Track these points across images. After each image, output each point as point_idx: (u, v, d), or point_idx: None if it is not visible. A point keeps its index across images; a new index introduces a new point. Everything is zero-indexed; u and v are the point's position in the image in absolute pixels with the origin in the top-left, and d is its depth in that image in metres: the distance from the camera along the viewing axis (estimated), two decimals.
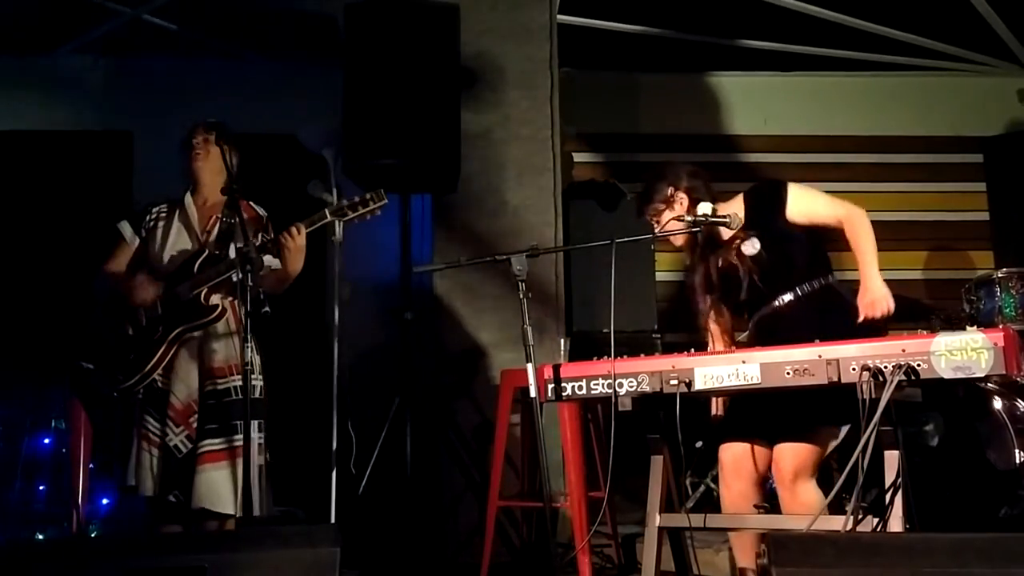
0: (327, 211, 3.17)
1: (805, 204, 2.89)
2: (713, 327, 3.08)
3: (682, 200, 2.98)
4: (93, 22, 5.01)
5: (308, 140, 4.40)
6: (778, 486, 2.75)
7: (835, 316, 2.82)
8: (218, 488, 3.00)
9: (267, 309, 2.97)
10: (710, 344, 3.07)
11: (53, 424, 4.22)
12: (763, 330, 2.89)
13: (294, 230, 3.12)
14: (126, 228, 3.30)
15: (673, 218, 2.96)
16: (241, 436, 2.93)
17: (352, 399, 4.12)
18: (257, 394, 3.14)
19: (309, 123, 4.40)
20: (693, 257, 3.05)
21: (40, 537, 3.98)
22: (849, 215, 2.87)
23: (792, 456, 2.70)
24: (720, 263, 2.94)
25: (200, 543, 2.09)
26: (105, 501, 4.17)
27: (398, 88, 3.89)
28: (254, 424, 3.07)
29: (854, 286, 2.90)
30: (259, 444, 3.10)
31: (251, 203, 3.34)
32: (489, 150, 4.43)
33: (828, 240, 2.96)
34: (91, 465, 4.06)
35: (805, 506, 2.65)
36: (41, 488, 4.17)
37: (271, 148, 4.26)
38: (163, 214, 3.29)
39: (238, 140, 3.28)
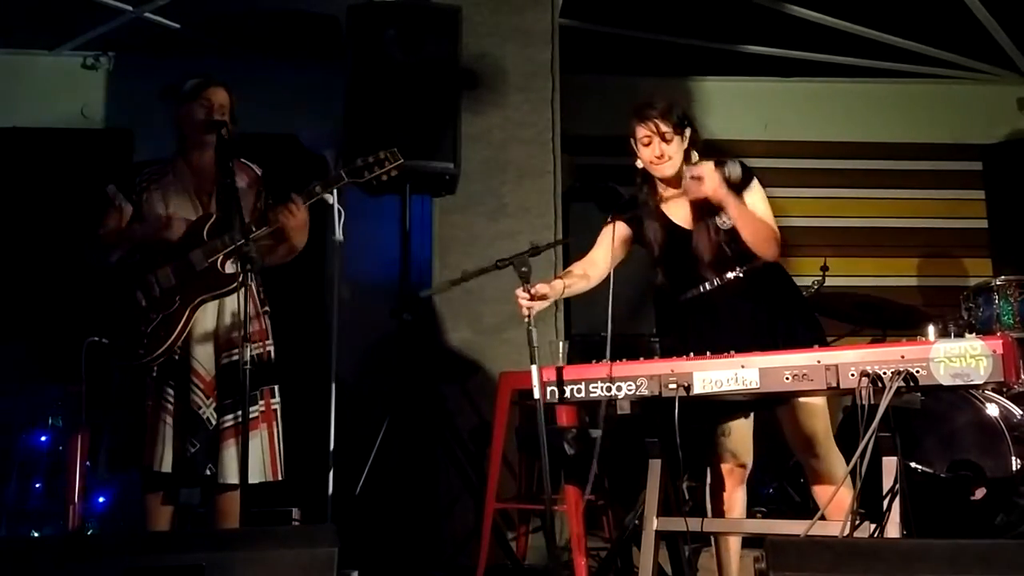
0: (343, 172, 3.09)
1: (758, 198, 2.84)
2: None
3: (686, 137, 2.88)
4: (95, 20, 5.01)
5: (309, 140, 4.40)
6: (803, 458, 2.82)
7: (782, 289, 2.86)
8: (231, 463, 2.98)
9: (267, 309, 2.97)
10: None
11: (50, 421, 4.21)
12: (700, 306, 2.87)
13: (293, 207, 3.04)
14: (115, 192, 3.18)
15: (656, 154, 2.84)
16: (259, 405, 3.00)
17: (350, 400, 4.12)
18: (270, 359, 3.15)
19: (310, 123, 4.40)
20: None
21: (35, 535, 3.97)
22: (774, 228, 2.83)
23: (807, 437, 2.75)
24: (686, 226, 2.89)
25: (198, 542, 2.09)
26: (102, 499, 4.16)
27: (399, 89, 3.90)
28: (274, 389, 3.13)
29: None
30: (276, 410, 3.13)
31: (243, 160, 3.27)
32: (489, 152, 4.43)
33: None
34: (87, 463, 4.06)
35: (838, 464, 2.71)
36: (37, 486, 4.16)
37: (272, 148, 4.25)
38: (154, 176, 3.18)
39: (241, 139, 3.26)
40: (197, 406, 3.01)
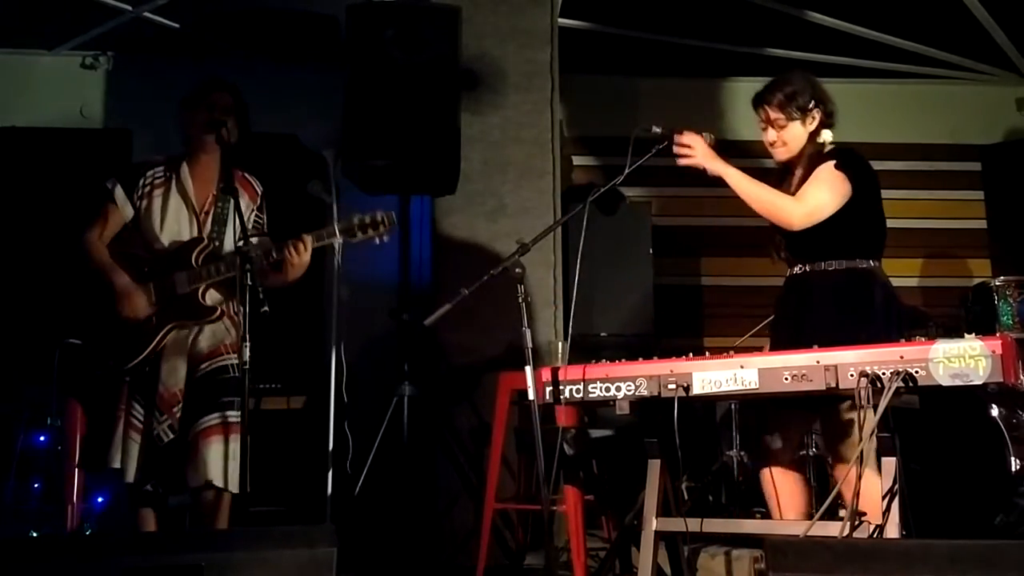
0: (336, 228, 3.11)
1: (815, 185, 2.79)
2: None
3: (815, 117, 2.85)
4: (94, 20, 5.01)
5: (308, 140, 4.41)
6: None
7: (854, 297, 2.77)
8: (209, 461, 2.97)
9: (266, 308, 2.97)
10: None
11: (49, 422, 4.21)
12: (789, 290, 2.89)
13: (300, 246, 3.06)
14: (117, 191, 3.17)
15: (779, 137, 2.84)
16: (234, 412, 2.97)
17: (349, 400, 4.12)
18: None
19: (310, 123, 4.41)
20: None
21: (34, 535, 3.96)
22: (799, 201, 2.77)
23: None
24: None
25: (197, 542, 2.09)
26: (100, 499, 4.16)
27: (399, 89, 3.90)
28: (237, 401, 3.05)
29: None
30: (236, 423, 3.08)
31: (246, 175, 3.28)
32: (489, 152, 4.43)
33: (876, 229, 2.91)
34: None
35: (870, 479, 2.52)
36: (36, 486, 4.16)
37: (271, 147, 4.26)
38: (159, 179, 3.18)
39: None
40: (150, 422, 3.00)
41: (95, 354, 3.08)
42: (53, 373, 3.71)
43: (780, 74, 2.92)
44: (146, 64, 5.24)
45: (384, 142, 3.88)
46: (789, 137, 2.86)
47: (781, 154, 2.89)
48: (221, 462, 2.97)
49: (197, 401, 3.04)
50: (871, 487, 2.46)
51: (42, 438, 4.20)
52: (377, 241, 3.13)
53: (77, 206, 3.29)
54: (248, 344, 2.88)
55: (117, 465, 3.00)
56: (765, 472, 2.89)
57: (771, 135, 2.87)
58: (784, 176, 2.95)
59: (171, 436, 3.00)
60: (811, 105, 2.85)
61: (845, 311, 2.76)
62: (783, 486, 2.84)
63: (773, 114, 2.84)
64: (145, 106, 5.10)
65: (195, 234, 3.14)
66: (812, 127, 2.86)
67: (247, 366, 2.85)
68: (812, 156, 2.86)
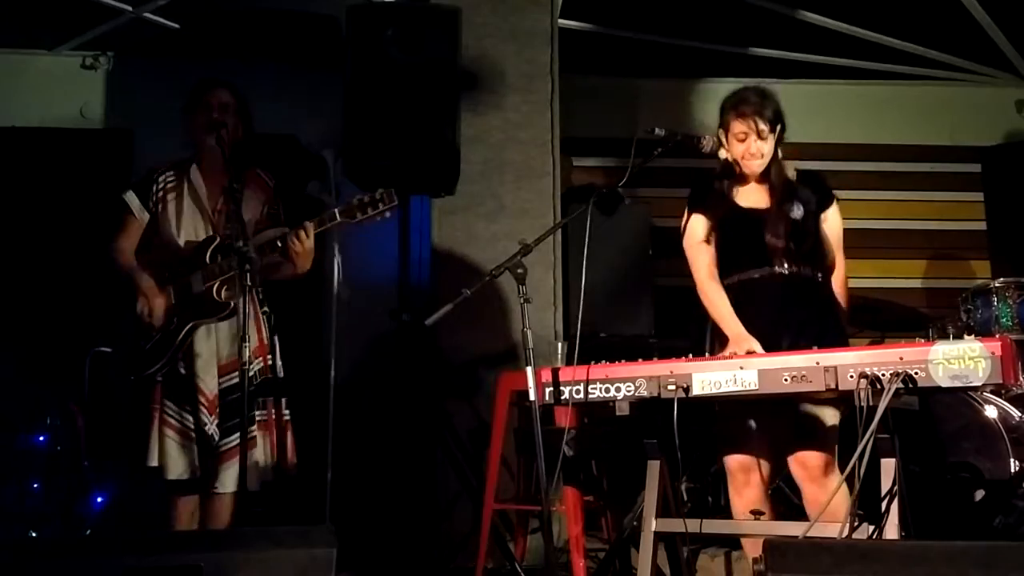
0: (336, 211, 3.13)
1: (836, 224, 2.94)
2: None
3: (776, 134, 2.87)
4: (95, 20, 5.01)
5: (308, 140, 4.41)
6: (804, 483, 2.75)
7: (819, 306, 2.82)
8: (229, 479, 3.05)
9: (266, 309, 2.98)
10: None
11: (48, 421, 4.21)
12: (746, 291, 2.85)
13: (303, 234, 3.09)
14: (133, 200, 3.26)
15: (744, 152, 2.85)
16: (261, 414, 3.08)
17: (349, 400, 4.12)
18: (280, 373, 3.21)
19: (309, 124, 4.41)
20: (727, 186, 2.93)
21: (34, 535, 3.96)
22: (844, 275, 2.92)
23: (818, 457, 2.71)
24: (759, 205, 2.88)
25: (196, 542, 2.09)
26: (100, 499, 4.16)
27: (399, 89, 3.90)
28: (280, 400, 3.18)
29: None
30: (286, 420, 3.19)
31: (258, 170, 3.34)
32: (489, 153, 4.43)
33: None
34: (85, 463, 4.06)
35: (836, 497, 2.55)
36: (35, 486, 4.16)
37: (271, 148, 4.25)
38: (171, 183, 3.25)
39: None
40: (203, 423, 3.07)
41: (123, 363, 3.15)
42: (84, 381, 3.77)
43: (748, 87, 2.94)
44: (146, 64, 5.24)
45: (384, 142, 3.89)
46: (767, 150, 2.87)
47: (758, 167, 2.88)
48: (251, 471, 3.01)
49: (226, 416, 3.09)
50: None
51: (42, 438, 4.20)
52: (379, 219, 3.13)
53: (80, 208, 3.32)
54: (248, 344, 2.90)
55: (155, 463, 3.05)
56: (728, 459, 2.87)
57: (754, 146, 2.85)
58: (729, 176, 2.94)
59: (219, 437, 3.07)
60: (780, 119, 2.89)
61: (829, 316, 2.83)
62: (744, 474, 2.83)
63: (762, 124, 2.83)
64: (145, 106, 5.10)
65: (210, 234, 3.20)
66: (773, 144, 2.89)
67: (247, 365, 2.87)
68: (780, 177, 2.89)
